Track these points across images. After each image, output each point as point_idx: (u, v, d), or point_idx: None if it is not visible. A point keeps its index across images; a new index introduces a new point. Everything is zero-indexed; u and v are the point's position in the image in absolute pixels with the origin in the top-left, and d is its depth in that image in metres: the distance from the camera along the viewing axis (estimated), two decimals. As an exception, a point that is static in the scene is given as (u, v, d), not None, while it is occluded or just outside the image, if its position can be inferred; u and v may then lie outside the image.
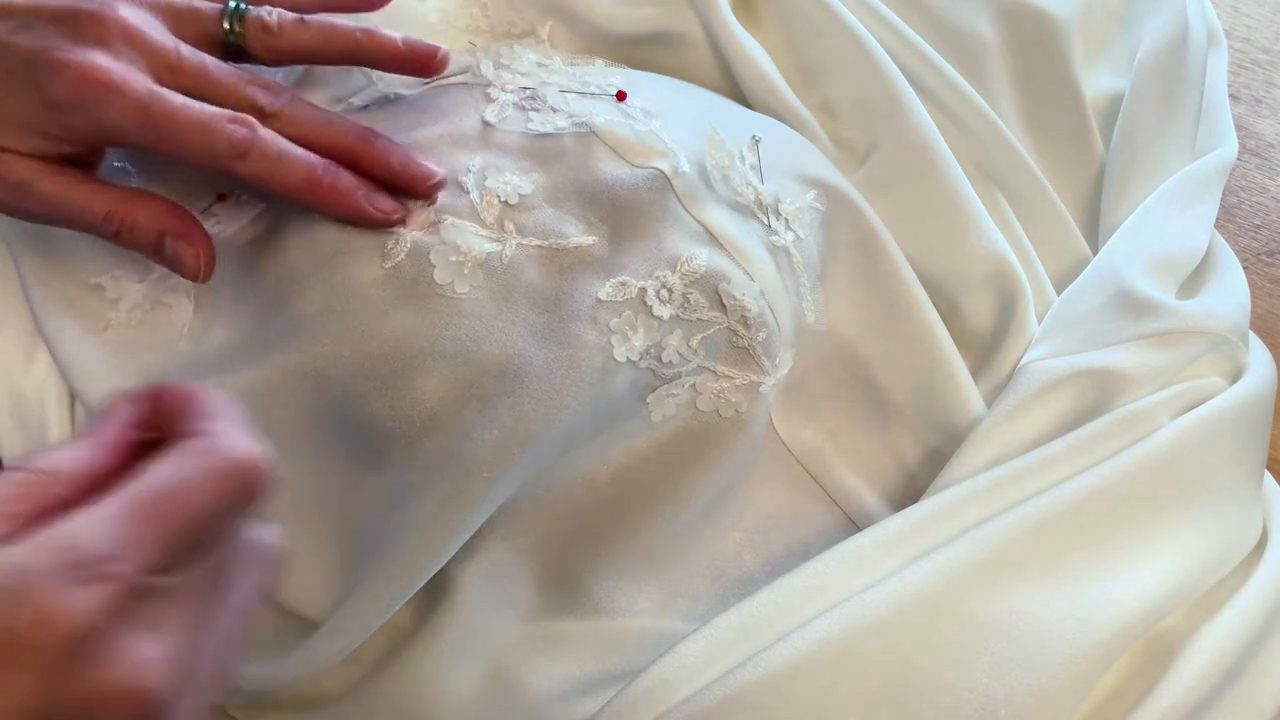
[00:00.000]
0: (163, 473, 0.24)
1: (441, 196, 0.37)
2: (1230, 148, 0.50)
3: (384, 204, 0.37)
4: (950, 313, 0.45)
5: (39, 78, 0.34)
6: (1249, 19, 0.64)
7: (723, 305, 0.38)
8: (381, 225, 0.37)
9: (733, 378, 0.39)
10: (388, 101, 0.42)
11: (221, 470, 0.24)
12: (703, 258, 0.38)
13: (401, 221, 0.37)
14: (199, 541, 0.24)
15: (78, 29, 0.35)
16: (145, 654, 0.22)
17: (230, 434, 0.25)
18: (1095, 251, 0.48)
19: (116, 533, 0.22)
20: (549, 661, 0.38)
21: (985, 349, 0.45)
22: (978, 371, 0.44)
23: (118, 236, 0.38)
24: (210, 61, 0.37)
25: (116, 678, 0.22)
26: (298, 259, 0.38)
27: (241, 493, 0.24)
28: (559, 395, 0.36)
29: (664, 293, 0.38)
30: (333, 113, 0.39)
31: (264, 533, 0.27)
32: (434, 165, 0.38)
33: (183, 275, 0.38)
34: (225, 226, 0.41)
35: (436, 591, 0.38)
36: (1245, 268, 0.46)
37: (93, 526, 0.22)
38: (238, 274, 0.41)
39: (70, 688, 0.22)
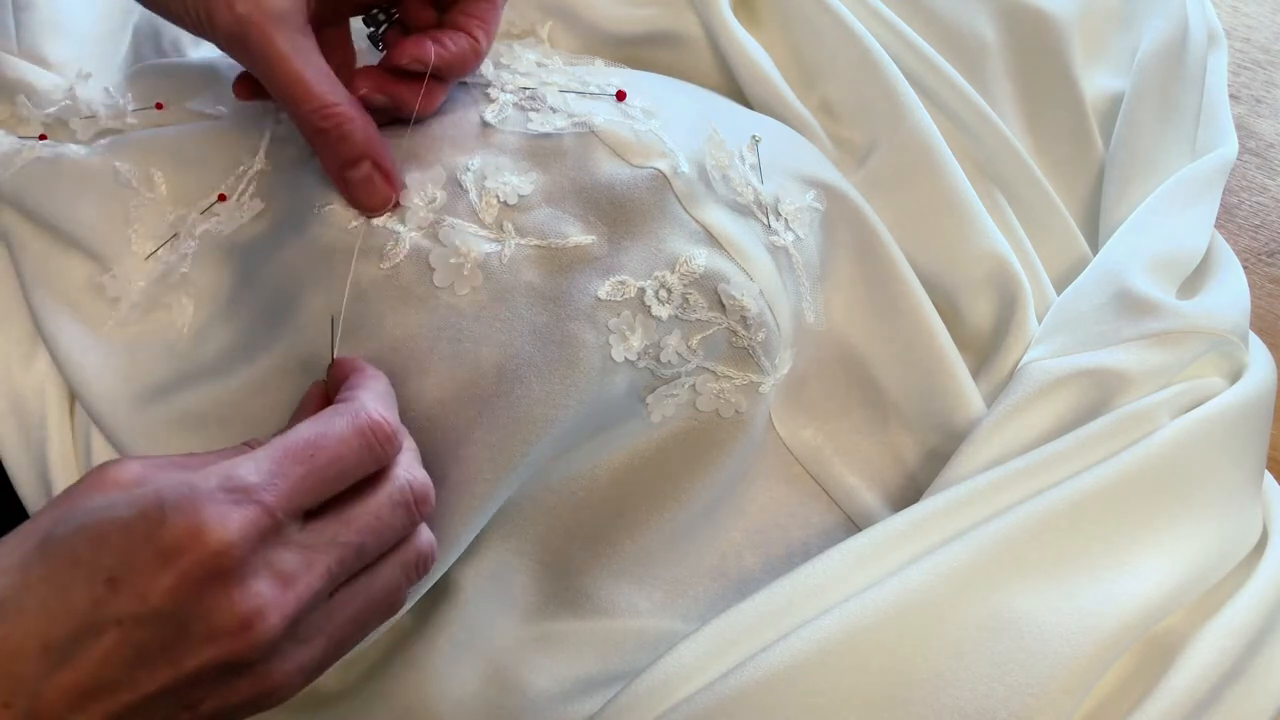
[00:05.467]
0: (309, 427, 0.29)
1: (441, 197, 0.37)
2: (1230, 148, 0.50)
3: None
4: (950, 313, 0.45)
5: None
6: (1249, 19, 0.64)
7: (722, 305, 0.38)
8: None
9: (732, 378, 0.39)
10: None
11: (356, 428, 0.30)
12: (702, 258, 0.38)
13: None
14: (335, 488, 0.29)
15: None
16: (268, 595, 0.26)
17: (368, 401, 0.31)
18: (1095, 251, 0.48)
19: (268, 469, 0.28)
20: (549, 661, 0.38)
21: (985, 349, 0.45)
22: (978, 371, 0.44)
23: (319, 135, 0.36)
24: None
25: (236, 604, 0.26)
26: (297, 260, 0.38)
27: (371, 449, 0.30)
28: (557, 395, 0.36)
29: (663, 293, 0.38)
30: None
31: (422, 537, 0.32)
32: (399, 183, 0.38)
33: (359, 203, 0.37)
34: (225, 226, 0.41)
35: (437, 591, 0.38)
36: (1245, 268, 0.46)
37: (248, 463, 0.27)
38: (237, 274, 0.41)
39: (197, 598, 0.25)
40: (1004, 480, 0.38)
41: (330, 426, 0.29)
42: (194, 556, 0.25)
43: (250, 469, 0.27)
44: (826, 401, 0.44)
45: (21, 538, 0.27)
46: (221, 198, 0.42)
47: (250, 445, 0.31)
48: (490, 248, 0.37)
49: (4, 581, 0.26)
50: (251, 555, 0.26)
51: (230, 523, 0.26)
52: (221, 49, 0.36)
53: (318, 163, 0.39)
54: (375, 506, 0.30)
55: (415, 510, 0.31)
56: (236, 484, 0.27)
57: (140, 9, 0.50)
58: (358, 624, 0.30)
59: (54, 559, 0.26)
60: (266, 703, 0.28)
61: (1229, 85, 0.57)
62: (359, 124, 0.36)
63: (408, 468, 0.31)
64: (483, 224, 0.37)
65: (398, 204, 0.37)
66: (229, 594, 0.26)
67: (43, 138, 0.44)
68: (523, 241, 0.37)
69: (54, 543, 0.26)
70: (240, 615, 0.26)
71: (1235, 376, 0.43)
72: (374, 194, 0.37)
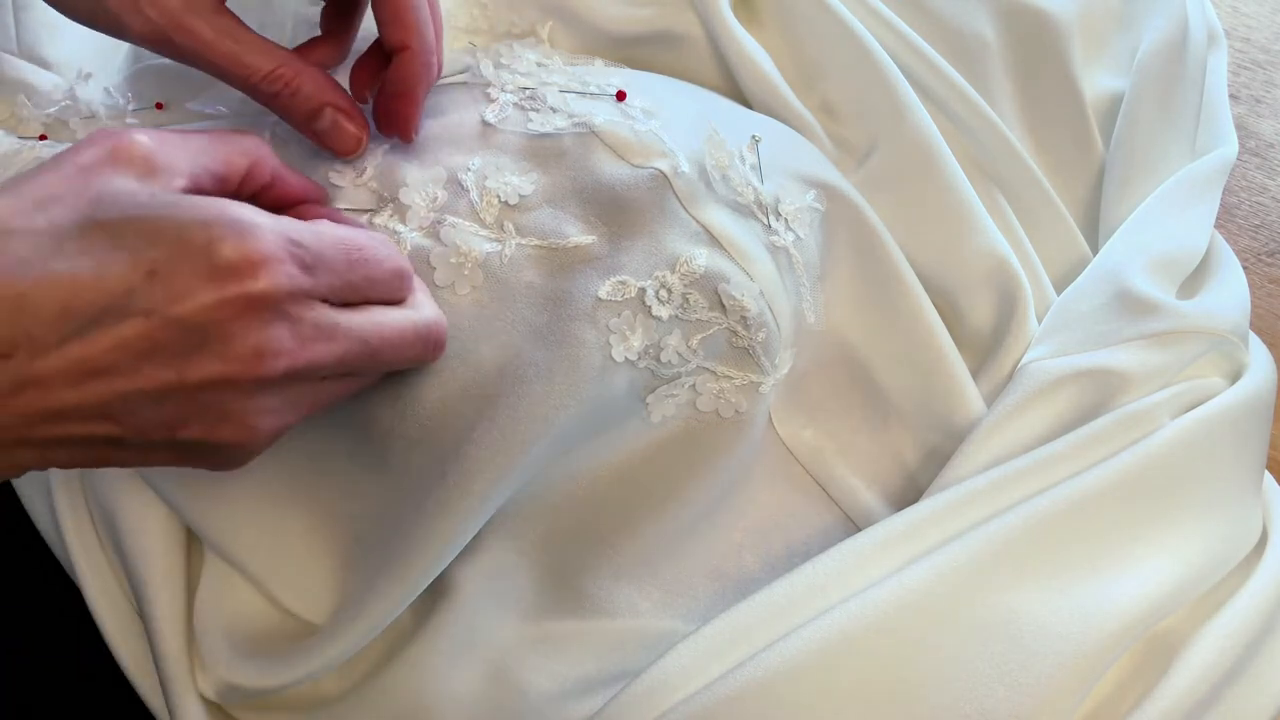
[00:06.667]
0: (370, 240, 0.31)
1: (442, 196, 0.37)
2: (1230, 148, 0.50)
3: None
4: (950, 313, 0.45)
5: None
6: (1249, 19, 0.64)
7: (722, 306, 0.38)
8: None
9: (732, 378, 0.39)
10: (388, 101, 0.42)
11: (398, 269, 0.32)
12: (702, 258, 0.38)
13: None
14: (357, 298, 0.31)
15: None
16: (288, 343, 0.28)
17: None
18: (1095, 251, 0.48)
19: (333, 255, 0.29)
20: (549, 661, 0.38)
21: (985, 349, 0.45)
22: (978, 371, 0.44)
23: (275, 99, 0.37)
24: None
25: (257, 336, 0.27)
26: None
27: (399, 289, 0.33)
28: (558, 395, 0.36)
29: (663, 293, 0.38)
30: None
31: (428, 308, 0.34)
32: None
33: (333, 150, 0.38)
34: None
35: (436, 592, 0.38)
36: (1245, 268, 0.46)
37: (315, 235, 0.29)
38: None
39: (227, 320, 0.27)
40: (1004, 480, 0.38)
41: (384, 250, 0.32)
42: (242, 286, 0.27)
43: (314, 241, 0.29)
44: (826, 401, 0.44)
45: (47, 206, 0.26)
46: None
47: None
48: (491, 247, 0.37)
49: (32, 242, 0.26)
50: (288, 307, 0.28)
51: (284, 274, 0.27)
52: (150, 50, 0.36)
53: (319, 165, 0.39)
54: (402, 326, 0.32)
55: (430, 349, 0.34)
56: (303, 250, 0.28)
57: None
58: (316, 410, 0.32)
59: (94, 237, 0.26)
60: (236, 455, 0.29)
61: (1229, 85, 0.57)
62: (307, 77, 0.37)
63: (434, 307, 0.34)
64: (483, 224, 0.37)
65: (399, 203, 0.37)
66: (255, 326, 0.27)
67: (43, 138, 0.44)
68: (523, 241, 0.37)
69: (96, 224, 0.26)
70: (256, 346, 0.27)
71: (1235, 376, 0.43)
72: (344, 137, 0.38)
